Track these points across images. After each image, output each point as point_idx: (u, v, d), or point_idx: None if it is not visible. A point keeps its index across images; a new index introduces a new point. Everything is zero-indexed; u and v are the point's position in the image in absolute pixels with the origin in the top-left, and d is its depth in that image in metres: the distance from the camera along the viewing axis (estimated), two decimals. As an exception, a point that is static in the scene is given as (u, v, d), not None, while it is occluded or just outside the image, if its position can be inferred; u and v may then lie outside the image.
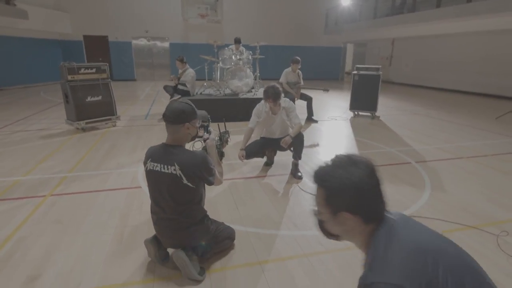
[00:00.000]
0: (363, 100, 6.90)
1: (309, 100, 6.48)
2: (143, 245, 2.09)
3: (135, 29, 14.78)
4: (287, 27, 16.45)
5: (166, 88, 6.75)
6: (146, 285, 1.89)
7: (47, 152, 4.38)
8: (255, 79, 7.10)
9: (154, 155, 1.89)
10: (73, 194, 3.11)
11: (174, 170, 1.79)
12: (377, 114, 6.98)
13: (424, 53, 13.69)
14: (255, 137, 3.73)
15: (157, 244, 1.99)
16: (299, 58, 6.24)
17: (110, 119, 5.83)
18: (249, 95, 6.55)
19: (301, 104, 6.70)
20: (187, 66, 6.56)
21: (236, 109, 6.17)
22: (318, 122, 6.49)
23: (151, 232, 2.07)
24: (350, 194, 0.91)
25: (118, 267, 2.04)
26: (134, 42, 15.06)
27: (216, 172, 1.98)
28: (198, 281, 1.91)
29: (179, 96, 6.25)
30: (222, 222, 2.22)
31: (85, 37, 14.42)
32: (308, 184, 3.40)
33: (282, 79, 6.34)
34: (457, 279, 0.83)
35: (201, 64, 7.20)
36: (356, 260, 2.14)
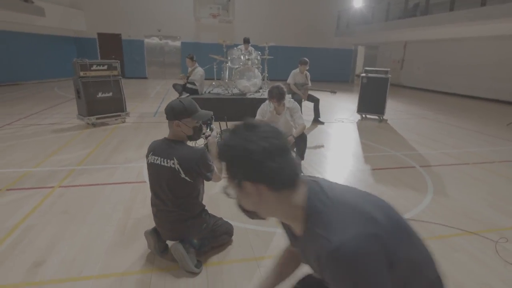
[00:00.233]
0: (371, 103, 6.87)
1: (316, 101, 6.49)
2: (143, 237, 2.16)
3: (147, 27, 15.01)
4: (298, 28, 16.45)
5: (175, 86, 6.85)
6: (145, 275, 1.95)
7: (58, 145, 4.51)
8: (263, 79, 7.15)
9: (156, 149, 1.96)
10: (80, 187, 3.21)
11: (173, 164, 1.86)
12: (385, 117, 6.94)
13: (437, 57, 13.51)
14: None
15: (156, 236, 2.05)
16: (307, 60, 6.25)
17: (119, 115, 5.96)
18: (257, 95, 6.60)
19: (308, 105, 6.72)
20: (197, 64, 6.65)
21: (244, 108, 6.21)
22: (325, 123, 6.50)
23: (153, 225, 2.13)
24: (245, 162, 0.83)
25: (119, 257, 2.12)
26: (146, 40, 15.29)
27: (215, 169, 2.03)
28: (195, 274, 1.96)
29: (187, 94, 6.34)
30: (221, 218, 2.27)
31: (99, 34, 14.72)
32: (310, 185, 3.42)
33: (289, 80, 6.37)
34: (397, 224, 0.88)
35: (210, 63, 7.29)
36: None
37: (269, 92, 3.44)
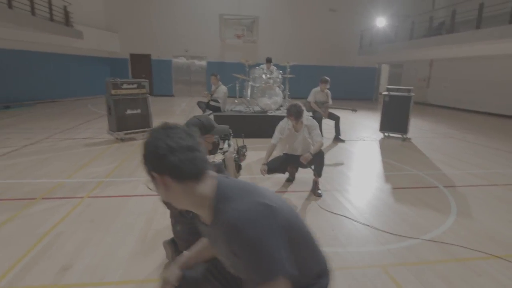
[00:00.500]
0: (394, 122, 6.78)
1: (336, 119, 6.50)
2: (162, 247, 2.26)
3: (175, 48, 15.80)
4: (321, 47, 16.67)
5: (199, 104, 7.13)
6: (162, 284, 2.04)
7: (89, 158, 4.80)
8: (284, 97, 7.28)
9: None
10: (107, 197, 3.40)
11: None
12: (408, 136, 6.80)
13: (465, 74, 13.13)
14: (278, 153, 3.85)
15: (174, 246, 2.14)
16: (327, 78, 6.33)
17: (146, 131, 6.26)
18: (278, 113, 6.72)
19: (329, 123, 6.74)
20: (220, 83, 6.91)
21: (264, 125, 6.33)
22: (346, 141, 6.47)
23: (171, 235, 2.23)
24: (152, 155, 1.00)
25: (139, 265, 2.22)
26: (174, 60, 16.05)
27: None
28: (209, 285, 2.02)
29: (210, 112, 6.57)
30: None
31: (131, 55, 15.66)
32: (328, 202, 3.42)
33: (310, 98, 6.45)
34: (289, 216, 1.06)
35: (233, 82, 7.54)
36: (366, 279, 2.15)
37: (288, 110, 3.53)
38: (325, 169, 3.69)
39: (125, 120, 5.94)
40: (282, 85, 7.24)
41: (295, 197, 3.57)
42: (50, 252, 2.35)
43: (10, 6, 8.85)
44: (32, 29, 9.91)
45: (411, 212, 3.22)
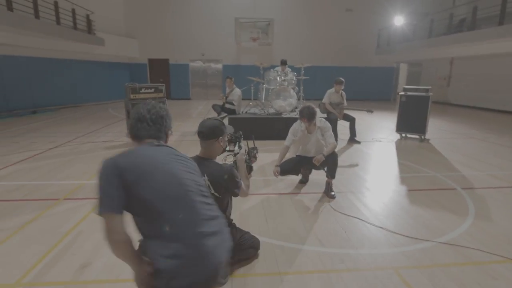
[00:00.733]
0: (411, 122, 6.64)
1: (352, 120, 6.44)
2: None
3: (192, 52, 16.09)
4: (337, 47, 16.51)
5: (214, 107, 7.25)
6: (175, 282, 2.10)
7: (108, 161, 4.98)
8: (298, 99, 7.28)
9: (188, 166, 2.15)
10: (124, 199, 3.52)
11: (204, 180, 2.02)
12: (426, 137, 6.65)
13: (487, 72, 12.65)
14: (291, 155, 3.87)
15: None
16: (342, 79, 6.28)
17: (163, 134, 6.42)
18: (292, 115, 6.73)
19: (344, 124, 6.69)
20: (234, 86, 7.00)
21: (279, 128, 6.35)
22: (362, 143, 6.39)
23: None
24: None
25: (153, 264, 2.30)
26: (191, 64, 16.35)
27: (242, 185, 2.16)
28: (221, 284, 2.07)
29: (225, 114, 6.67)
30: (248, 232, 2.38)
31: (149, 60, 16.08)
32: (341, 204, 3.41)
33: (325, 100, 6.42)
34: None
35: (248, 84, 7.61)
36: (377, 281, 2.14)
37: (300, 112, 3.55)
38: (339, 171, 3.68)
39: (143, 124, 6.10)
40: (296, 87, 7.25)
41: (307, 198, 3.58)
42: (71, 250, 2.48)
43: (37, 16, 9.31)
44: (58, 38, 10.37)
45: (427, 215, 3.16)
